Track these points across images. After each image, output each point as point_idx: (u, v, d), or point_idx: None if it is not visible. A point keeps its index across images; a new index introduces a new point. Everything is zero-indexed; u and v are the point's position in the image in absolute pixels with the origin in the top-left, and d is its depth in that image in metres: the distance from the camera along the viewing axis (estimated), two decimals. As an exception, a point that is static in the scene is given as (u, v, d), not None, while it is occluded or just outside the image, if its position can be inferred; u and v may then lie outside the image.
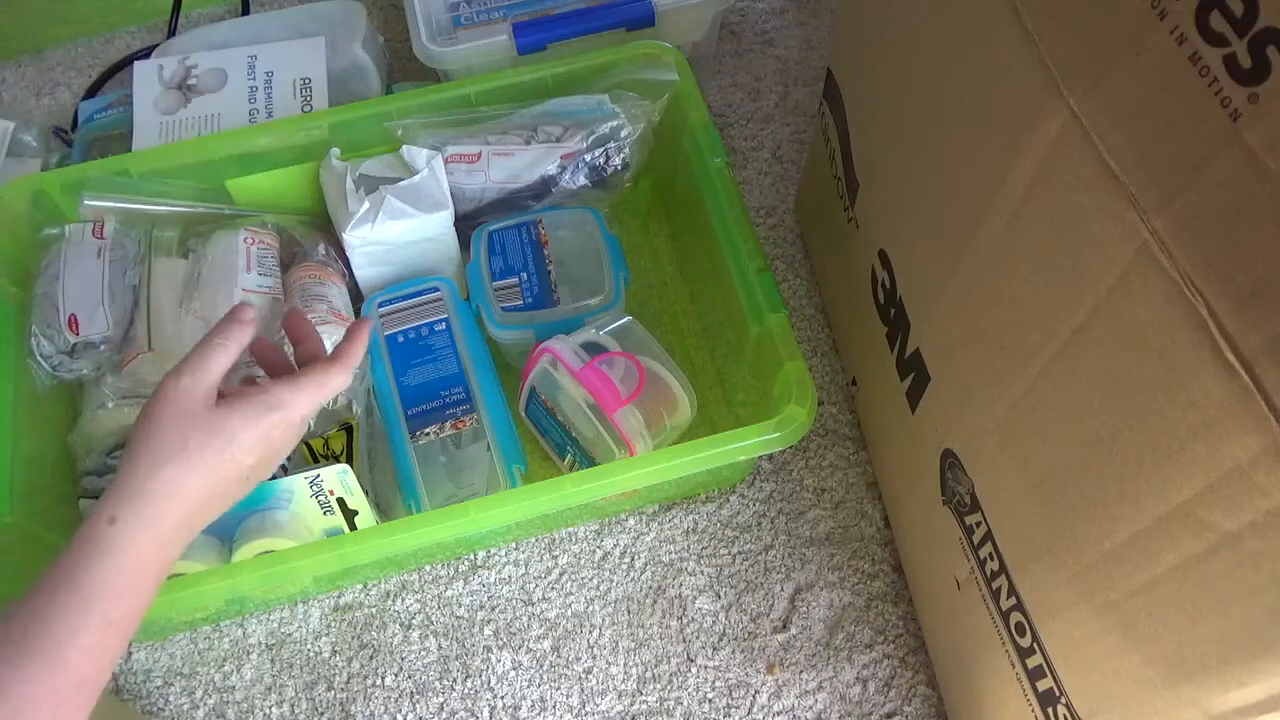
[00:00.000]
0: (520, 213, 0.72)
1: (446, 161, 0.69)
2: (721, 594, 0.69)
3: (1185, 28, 0.29)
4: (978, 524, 0.51)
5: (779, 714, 0.66)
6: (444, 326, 0.69)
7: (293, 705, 0.67)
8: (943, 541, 0.57)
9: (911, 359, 0.56)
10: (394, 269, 0.71)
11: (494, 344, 0.70)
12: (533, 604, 0.69)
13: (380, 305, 0.70)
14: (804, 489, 0.73)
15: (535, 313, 0.68)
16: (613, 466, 0.58)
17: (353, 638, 0.69)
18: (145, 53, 0.86)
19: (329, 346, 0.54)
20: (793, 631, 0.68)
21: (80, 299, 0.64)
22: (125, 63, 0.92)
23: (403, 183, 0.68)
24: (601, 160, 0.70)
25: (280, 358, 0.54)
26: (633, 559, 0.71)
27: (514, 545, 0.71)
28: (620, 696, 0.67)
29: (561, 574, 0.70)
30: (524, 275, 0.69)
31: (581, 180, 0.71)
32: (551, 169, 0.70)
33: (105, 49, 0.94)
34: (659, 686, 0.67)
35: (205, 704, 0.67)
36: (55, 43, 0.94)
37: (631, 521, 0.72)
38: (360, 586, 0.70)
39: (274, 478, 0.58)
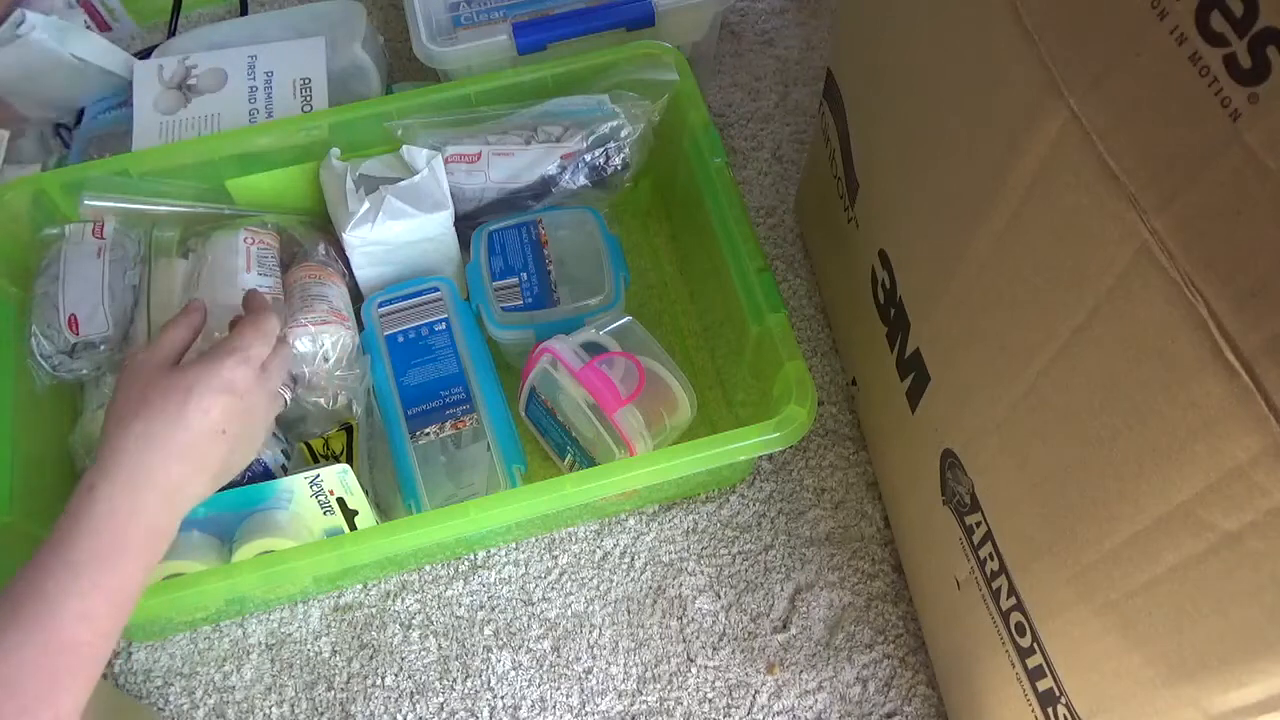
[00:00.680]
0: (520, 213, 0.72)
1: (446, 161, 0.69)
2: (721, 594, 0.69)
3: (1185, 28, 0.29)
4: (978, 524, 0.51)
5: (779, 714, 0.66)
6: (444, 326, 0.69)
7: (293, 705, 0.67)
8: (943, 541, 0.57)
9: (911, 359, 0.56)
10: (394, 269, 0.71)
11: (494, 344, 0.70)
12: (533, 604, 0.69)
13: (380, 305, 0.70)
14: (804, 489, 0.73)
15: (535, 313, 0.68)
16: (613, 466, 0.58)
17: (353, 638, 0.69)
18: (145, 53, 0.86)
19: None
20: (793, 631, 0.68)
21: (80, 299, 0.64)
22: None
23: (403, 183, 0.68)
24: (601, 160, 0.70)
25: None
26: (633, 559, 0.71)
27: (514, 545, 0.71)
28: (620, 696, 0.67)
29: (561, 574, 0.70)
30: (524, 275, 0.69)
31: (581, 180, 0.71)
32: (551, 169, 0.70)
33: (105, 49, 0.94)
34: (659, 686, 0.67)
35: (205, 704, 0.67)
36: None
37: (631, 521, 0.72)
38: (360, 586, 0.70)
39: (274, 478, 0.59)
